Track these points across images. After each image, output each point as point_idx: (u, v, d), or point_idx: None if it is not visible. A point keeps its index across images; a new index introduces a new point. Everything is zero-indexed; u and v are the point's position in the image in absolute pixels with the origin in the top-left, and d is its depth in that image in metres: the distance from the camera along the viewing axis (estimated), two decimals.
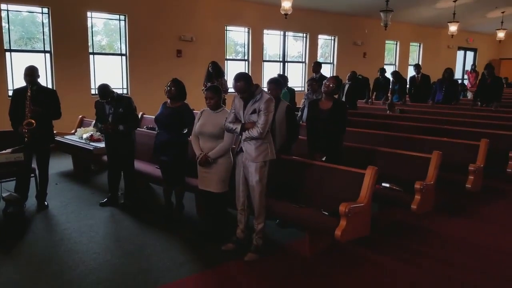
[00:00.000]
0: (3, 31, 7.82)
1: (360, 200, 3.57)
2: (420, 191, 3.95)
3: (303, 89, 12.23)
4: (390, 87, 9.85)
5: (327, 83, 4.27)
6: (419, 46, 16.00)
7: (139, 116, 7.11)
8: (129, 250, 3.84)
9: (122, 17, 9.20)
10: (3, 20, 7.82)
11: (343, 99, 8.23)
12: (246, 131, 3.54)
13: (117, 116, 4.71)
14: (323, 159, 4.19)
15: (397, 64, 15.24)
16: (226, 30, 10.86)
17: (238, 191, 3.77)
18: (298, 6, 10.42)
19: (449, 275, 3.52)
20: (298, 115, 6.71)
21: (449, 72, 9.11)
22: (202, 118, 3.93)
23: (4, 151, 4.18)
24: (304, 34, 12.55)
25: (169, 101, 4.38)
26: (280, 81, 4.64)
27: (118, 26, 9.25)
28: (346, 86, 8.39)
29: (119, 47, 9.36)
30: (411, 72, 13.87)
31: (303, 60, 12.70)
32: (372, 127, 6.40)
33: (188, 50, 10.01)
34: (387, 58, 15.09)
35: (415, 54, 16.06)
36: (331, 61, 13.40)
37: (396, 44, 15.21)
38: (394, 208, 4.48)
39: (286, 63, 12.37)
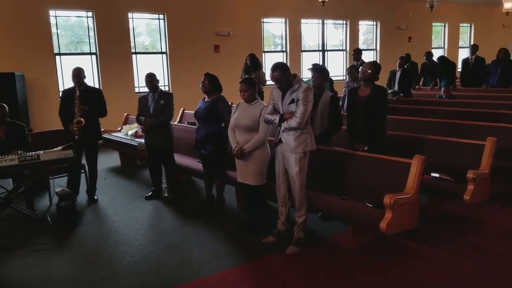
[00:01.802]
0: (54, 37, 8.25)
1: (406, 191, 3.41)
2: (473, 180, 3.70)
3: (344, 78, 11.91)
4: (438, 71, 9.33)
5: (364, 69, 4.11)
6: (470, 27, 15.06)
7: (181, 112, 7.28)
8: (173, 242, 3.92)
9: (161, 16, 9.40)
10: (53, 26, 8.24)
11: (396, 87, 7.84)
12: (285, 122, 3.48)
13: (158, 107, 4.82)
14: (365, 148, 4.04)
15: (446, 47, 14.46)
16: (263, 22, 10.79)
17: (278, 182, 3.72)
18: None
19: (504, 269, 3.28)
20: (340, 105, 6.52)
21: (504, 52, 8.46)
22: (238, 110, 3.92)
23: (55, 149, 4.39)
24: (344, 21, 12.20)
25: (206, 96, 4.42)
26: (325, 70, 4.51)
27: (158, 25, 9.46)
28: (398, 74, 7.94)
29: (160, 45, 9.58)
30: (462, 55, 13.12)
31: (344, 48, 12.37)
32: (419, 114, 6.10)
33: (225, 44, 10.06)
34: (434, 42, 14.35)
35: (466, 35, 15.15)
36: (374, 48, 12.94)
37: (444, 26, 14.41)
38: (445, 199, 4.25)
39: (325, 52, 12.10)
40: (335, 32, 12.45)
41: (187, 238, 4.00)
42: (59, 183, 5.04)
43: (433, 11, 10.69)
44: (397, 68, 8.00)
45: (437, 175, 4.08)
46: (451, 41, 14.52)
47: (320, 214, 4.26)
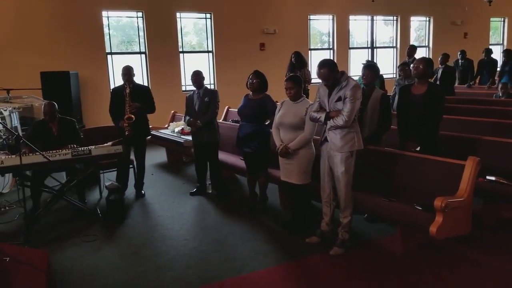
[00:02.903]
0: (106, 37, 8.64)
1: (459, 194, 3.21)
2: None
3: (394, 75, 11.51)
4: (499, 68, 8.75)
5: (416, 65, 3.91)
6: None
7: (225, 110, 7.34)
8: (216, 238, 3.95)
9: (208, 15, 9.54)
10: (105, 27, 8.63)
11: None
12: (331, 120, 3.39)
13: (203, 105, 4.88)
14: (417, 149, 3.85)
15: (505, 43, 13.55)
16: (310, 19, 10.65)
17: (323, 182, 3.64)
18: None
19: None
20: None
21: None
22: (283, 108, 3.87)
23: (106, 144, 4.57)
24: (395, 17, 11.77)
25: (251, 93, 4.40)
26: (376, 67, 4.38)
27: (205, 24, 9.61)
28: (440, 71, 7.68)
29: (207, 44, 9.73)
30: None
31: (394, 45, 11.93)
32: (474, 114, 5.74)
33: (271, 43, 10.03)
34: (493, 38, 13.49)
35: None
36: (426, 44, 12.38)
37: (504, 21, 13.52)
38: (502, 204, 3.97)
39: (375, 49, 11.74)
40: (385, 29, 12.04)
41: (230, 235, 4.01)
42: (109, 178, 5.26)
43: (492, 5, 10.03)
44: (439, 66, 7.69)
45: (493, 178, 3.83)
46: (511, 37, 13.58)
47: (366, 215, 4.13)
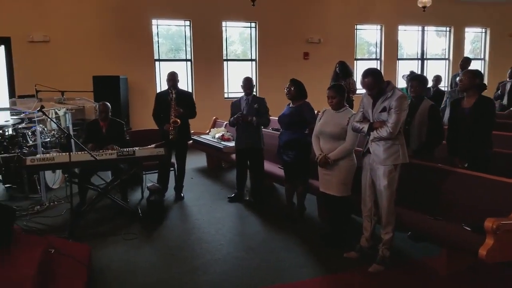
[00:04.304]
0: (155, 45, 8.98)
1: None
2: None
3: (446, 88, 11.03)
4: None
5: (461, 77, 3.76)
6: None
7: None
8: (251, 246, 3.92)
9: (253, 24, 9.63)
10: (155, 36, 8.96)
11: (505, 100, 7.08)
12: (374, 131, 3.27)
13: (252, 110, 4.91)
14: (465, 166, 3.64)
15: None
16: (356, 29, 10.47)
17: (365, 195, 3.51)
18: None
19: None
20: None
21: None
22: (324, 117, 3.79)
23: (149, 146, 4.70)
24: (448, 28, 11.31)
25: (291, 102, 4.38)
26: (424, 79, 4.23)
27: (250, 33, 9.71)
28: (508, 85, 7.18)
29: (250, 53, 9.81)
30: None
31: (447, 57, 11.45)
32: None
33: (315, 52, 9.95)
34: None
35: None
36: (482, 57, 11.78)
37: None
38: None
39: (425, 61, 11.32)
40: (438, 40, 11.59)
41: (265, 243, 3.96)
42: (150, 179, 5.39)
43: None
44: (507, 79, 7.18)
45: None
46: None
47: (409, 233, 3.94)
